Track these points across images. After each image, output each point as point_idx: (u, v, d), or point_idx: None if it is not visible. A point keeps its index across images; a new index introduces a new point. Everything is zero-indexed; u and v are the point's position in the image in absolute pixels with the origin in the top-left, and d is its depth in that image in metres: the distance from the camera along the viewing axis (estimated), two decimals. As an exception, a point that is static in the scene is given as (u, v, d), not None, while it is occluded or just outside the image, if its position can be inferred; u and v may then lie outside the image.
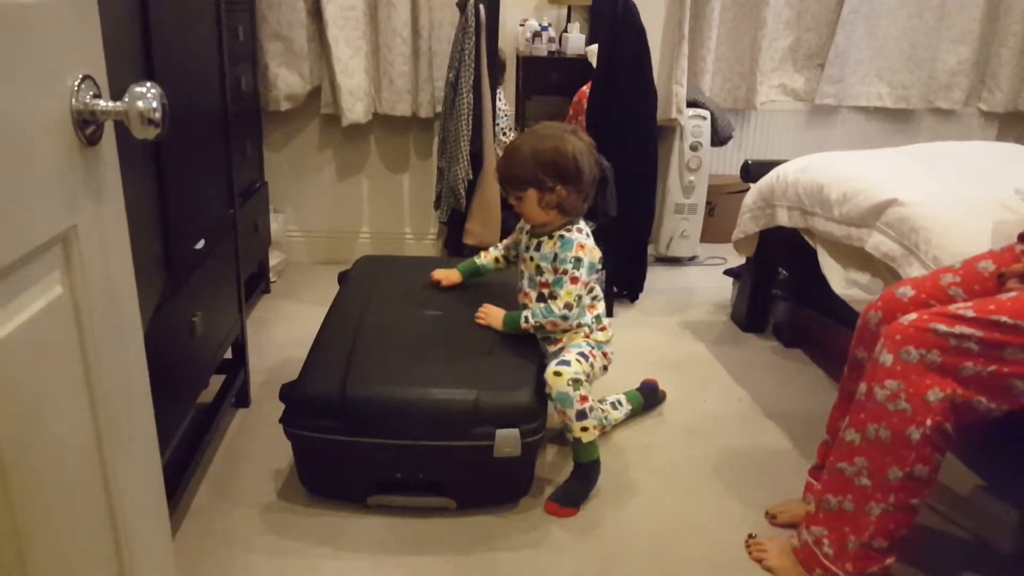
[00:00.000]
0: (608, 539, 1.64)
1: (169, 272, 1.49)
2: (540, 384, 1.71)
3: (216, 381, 1.98)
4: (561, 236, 1.79)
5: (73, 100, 0.70)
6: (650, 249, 3.19)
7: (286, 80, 2.88)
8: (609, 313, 2.79)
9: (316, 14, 2.84)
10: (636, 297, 2.92)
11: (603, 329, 1.86)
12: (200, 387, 1.78)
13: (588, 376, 1.75)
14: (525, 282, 1.86)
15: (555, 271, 1.78)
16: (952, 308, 1.35)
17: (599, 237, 2.78)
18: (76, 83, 0.70)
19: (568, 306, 1.76)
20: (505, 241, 2.04)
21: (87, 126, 0.72)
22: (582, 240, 1.77)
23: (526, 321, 1.80)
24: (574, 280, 1.75)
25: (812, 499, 1.60)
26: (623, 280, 2.89)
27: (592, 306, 1.85)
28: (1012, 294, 1.36)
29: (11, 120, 0.62)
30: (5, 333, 0.62)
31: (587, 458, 1.77)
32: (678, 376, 2.34)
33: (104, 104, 0.72)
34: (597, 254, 1.80)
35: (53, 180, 0.68)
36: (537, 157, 1.73)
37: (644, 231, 2.92)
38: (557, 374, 1.69)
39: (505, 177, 1.80)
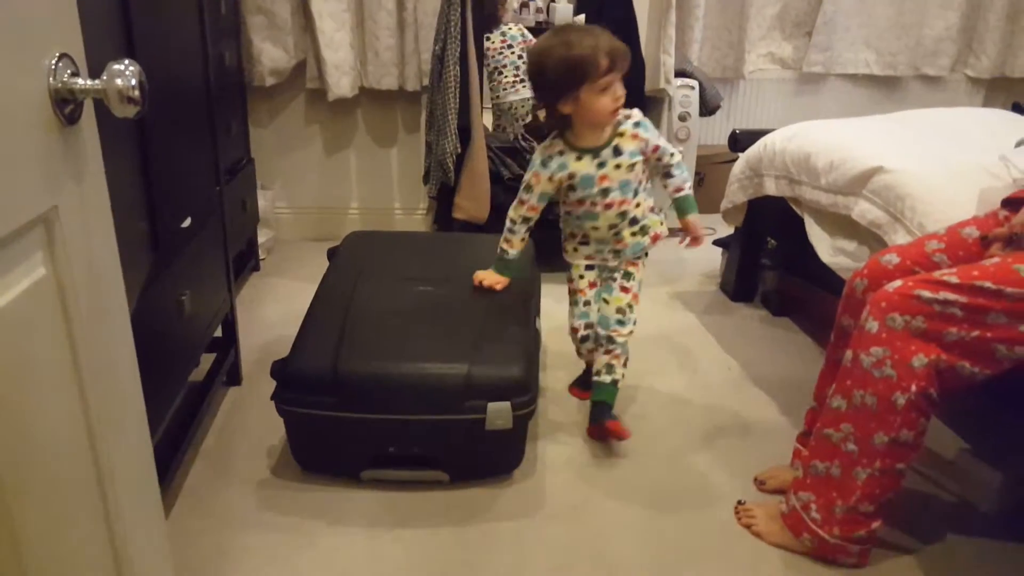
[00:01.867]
0: (600, 508, 1.66)
1: (156, 251, 1.48)
2: (531, 357, 1.72)
3: (207, 360, 1.98)
4: (636, 124, 1.73)
5: (51, 79, 0.69)
6: (640, 221, 3.19)
7: (270, 55, 2.85)
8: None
9: (299, -14, 2.81)
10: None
11: None
12: (191, 366, 1.78)
13: None
14: (618, 192, 1.74)
15: (655, 150, 1.75)
16: (936, 274, 1.36)
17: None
18: (53, 61, 0.69)
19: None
20: (521, 212, 1.82)
21: (66, 105, 0.71)
22: (640, 114, 1.76)
23: (689, 190, 1.83)
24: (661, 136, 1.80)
25: (800, 465, 1.62)
26: (613, 252, 2.89)
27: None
28: (995, 260, 1.37)
29: (-13, 100, 0.61)
30: (-10, 315, 0.62)
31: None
32: (669, 346, 2.35)
33: (82, 83, 0.72)
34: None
35: (33, 160, 0.68)
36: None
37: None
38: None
39: (624, 53, 1.66)
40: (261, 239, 2.95)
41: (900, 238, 1.68)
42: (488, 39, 3.12)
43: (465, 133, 2.67)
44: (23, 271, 0.67)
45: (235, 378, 2.10)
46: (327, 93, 2.90)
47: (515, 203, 1.82)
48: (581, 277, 1.88)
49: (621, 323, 1.84)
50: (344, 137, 3.14)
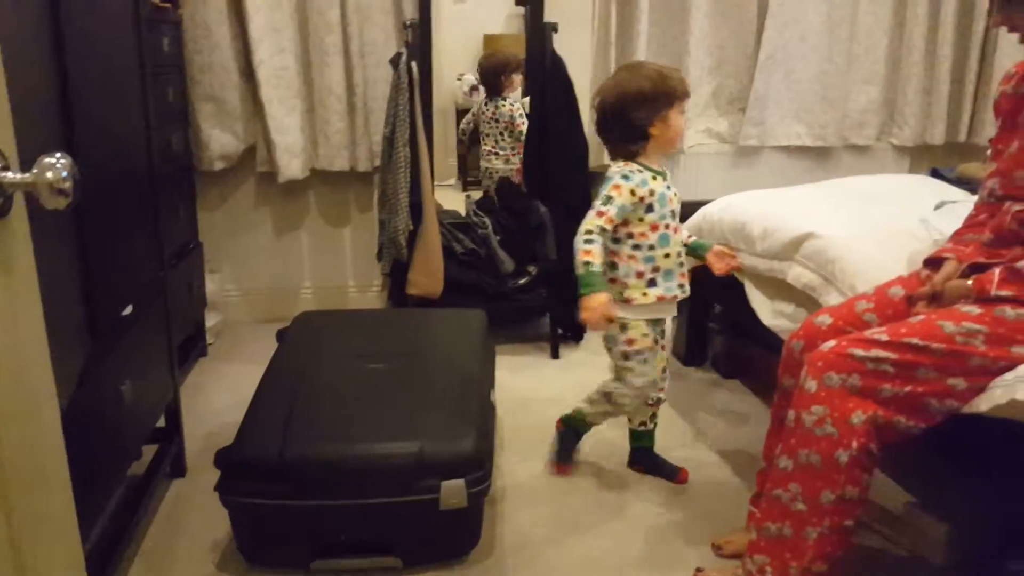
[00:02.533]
0: (558, 584, 1.64)
1: (94, 339, 1.46)
2: (485, 431, 1.71)
3: (150, 451, 1.92)
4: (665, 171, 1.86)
5: (-21, 173, 0.70)
6: (591, 291, 3.24)
7: (219, 140, 2.88)
8: (555, 355, 2.82)
9: (249, 75, 2.86)
10: (580, 337, 2.96)
11: None
12: (131, 458, 1.72)
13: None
14: (676, 220, 1.86)
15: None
16: (867, 333, 1.41)
17: (540, 281, 2.84)
18: (-19, 156, 0.70)
19: None
20: (599, 223, 1.76)
21: (-6, 198, 0.72)
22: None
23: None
24: None
25: (754, 527, 1.62)
26: (567, 322, 2.93)
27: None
28: (920, 317, 1.43)
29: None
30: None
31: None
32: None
33: (12, 176, 0.72)
34: None
35: (-41, 253, 0.68)
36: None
37: (583, 274, 2.97)
38: None
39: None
40: (209, 323, 2.91)
41: (833, 299, 1.74)
42: (485, 104, 3.37)
43: (417, 210, 2.71)
44: (-55, 365, 0.67)
45: (179, 469, 2.03)
46: (277, 175, 2.93)
47: (592, 215, 1.77)
48: (645, 335, 1.85)
49: (667, 382, 1.98)
50: (296, 218, 3.16)
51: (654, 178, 1.81)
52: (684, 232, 1.92)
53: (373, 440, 1.63)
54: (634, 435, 2.06)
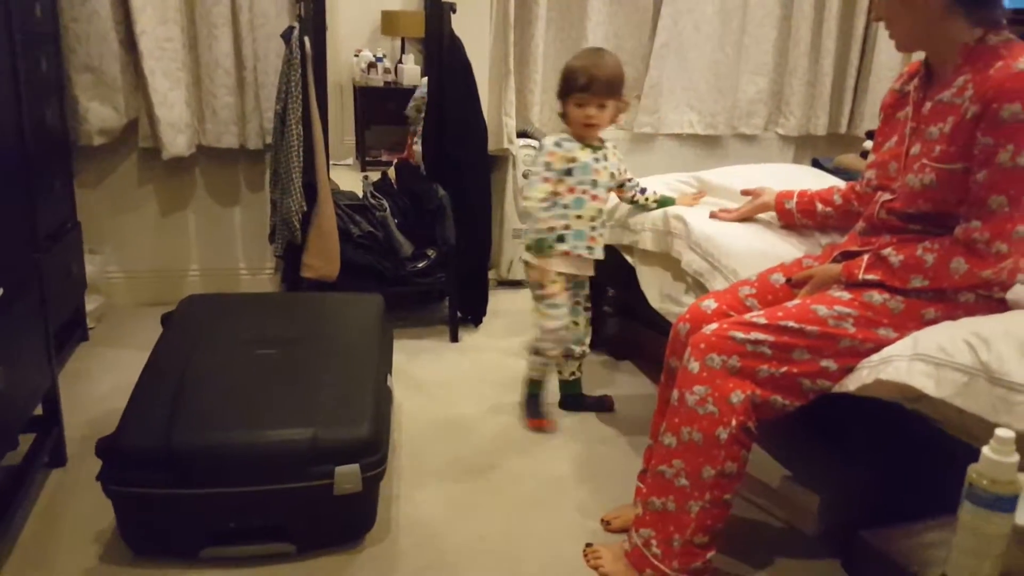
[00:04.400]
0: (454, 565, 1.66)
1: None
2: (381, 416, 1.71)
3: (27, 441, 1.82)
4: (613, 148, 2.13)
5: None
6: (491, 274, 3.26)
7: (98, 113, 2.72)
8: (454, 338, 2.83)
9: (130, 45, 2.71)
10: (480, 321, 2.98)
11: None
12: (6, 448, 1.63)
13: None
14: (599, 190, 2.08)
15: (623, 172, 2.14)
16: (747, 316, 1.49)
17: (440, 265, 2.84)
18: None
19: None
20: (547, 188, 2.03)
21: None
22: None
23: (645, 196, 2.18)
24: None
25: (640, 502, 1.69)
26: (467, 305, 2.94)
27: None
28: (797, 301, 1.52)
29: None
30: None
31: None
32: (518, 393, 2.40)
33: None
34: None
35: None
36: (621, 73, 2.03)
37: (483, 257, 2.99)
38: None
39: (606, 85, 2.00)
40: (89, 307, 2.76)
41: (719, 284, 1.83)
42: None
43: (311, 190, 2.65)
44: None
45: (59, 459, 1.94)
46: (162, 151, 2.79)
47: (539, 183, 2.03)
48: (554, 282, 2.09)
49: (588, 337, 2.27)
50: (181, 197, 3.03)
51: (582, 149, 2.05)
52: (637, 193, 2.19)
53: (264, 426, 1.60)
54: (563, 385, 2.34)
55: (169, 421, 1.58)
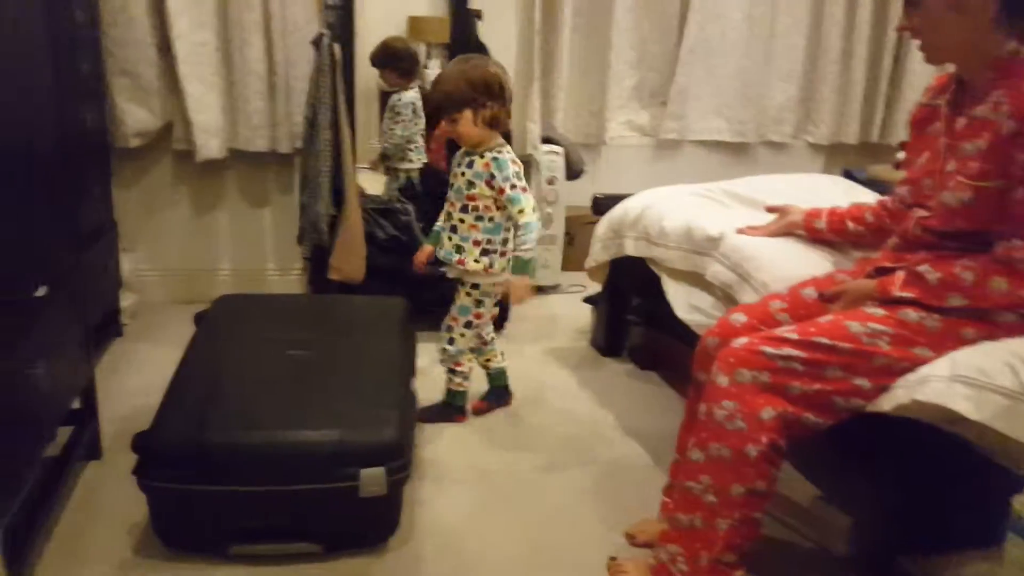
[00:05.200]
0: (473, 565, 1.67)
1: (6, 320, 1.40)
2: (405, 420, 1.73)
3: (65, 433, 1.87)
4: (495, 158, 2.02)
5: None
6: (514, 279, 3.27)
7: (135, 116, 2.78)
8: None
9: (166, 50, 2.76)
10: (502, 327, 2.99)
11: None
12: (46, 440, 1.67)
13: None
14: (453, 194, 2.09)
15: (492, 188, 2.02)
16: (778, 331, 1.48)
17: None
18: None
19: (533, 209, 2.04)
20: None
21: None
22: (512, 157, 2.05)
23: (523, 254, 2.04)
24: (524, 189, 2.04)
25: (666, 518, 1.69)
26: (489, 310, 2.95)
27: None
28: (829, 317, 1.51)
29: None
30: None
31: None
32: (542, 401, 2.42)
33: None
34: (522, 167, 2.09)
35: None
36: (469, 80, 1.96)
37: (507, 261, 3.00)
38: None
39: (441, 103, 2.01)
40: (124, 303, 2.81)
41: (748, 297, 1.82)
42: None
43: (339, 195, 2.68)
44: None
45: (95, 452, 1.98)
46: (195, 154, 2.84)
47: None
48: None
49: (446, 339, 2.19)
50: (214, 198, 3.07)
51: (462, 156, 2.09)
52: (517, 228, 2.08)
53: (292, 427, 1.63)
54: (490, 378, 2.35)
55: (201, 419, 1.61)
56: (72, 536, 1.70)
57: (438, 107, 2.02)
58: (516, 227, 2.04)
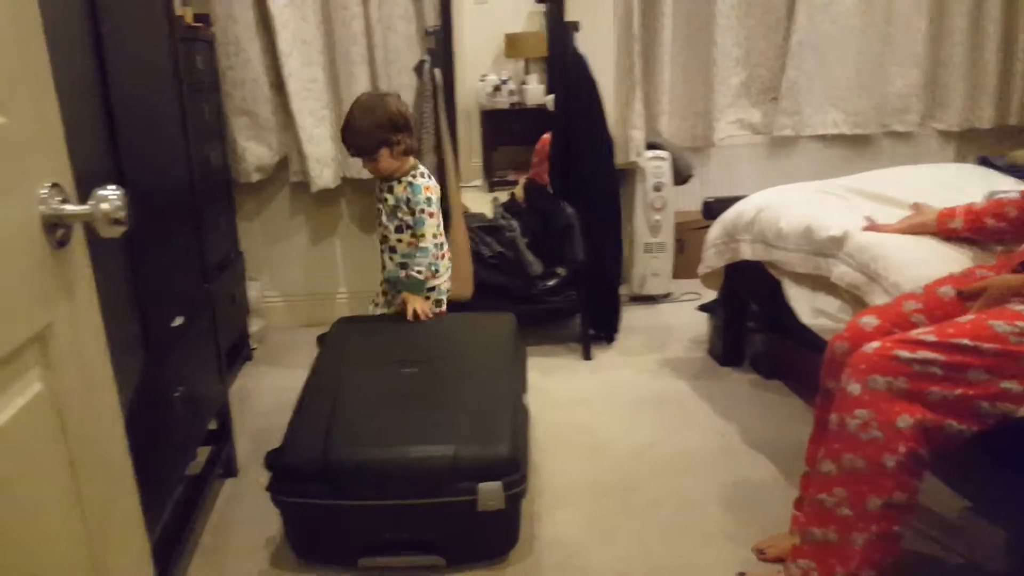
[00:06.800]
0: (600, 585, 1.65)
1: (148, 351, 1.50)
2: (519, 434, 1.73)
3: (204, 452, 1.99)
4: (409, 183, 2.18)
5: (42, 207, 0.73)
6: (624, 289, 3.23)
7: (254, 152, 2.94)
8: (587, 355, 2.82)
9: (279, 88, 2.91)
10: (612, 338, 2.95)
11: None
12: (187, 459, 1.79)
13: None
14: (384, 218, 2.23)
15: (411, 212, 2.18)
16: (914, 334, 1.38)
17: (570, 283, 2.84)
18: (44, 191, 0.73)
19: (434, 235, 2.20)
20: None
21: (56, 229, 0.75)
22: (427, 183, 2.19)
23: (416, 274, 2.18)
24: (431, 215, 2.18)
25: (797, 532, 1.61)
26: (599, 321, 2.92)
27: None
28: (970, 316, 1.40)
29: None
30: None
31: None
32: (659, 414, 2.36)
33: (71, 208, 0.75)
34: (438, 190, 2.23)
35: (26, 283, 0.71)
36: (378, 124, 2.09)
37: (614, 272, 2.96)
38: None
39: (358, 150, 2.14)
40: (252, 329, 2.97)
41: (878, 298, 1.71)
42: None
43: (445, 215, 2.72)
44: (20, 388, 0.70)
45: (231, 469, 2.10)
46: (310, 185, 2.98)
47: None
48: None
49: None
50: (329, 225, 3.21)
51: (383, 183, 2.22)
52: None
53: (408, 443, 1.66)
54: None
55: (326, 437, 1.67)
56: (215, 548, 1.79)
57: (358, 153, 2.15)
58: (417, 248, 2.20)
